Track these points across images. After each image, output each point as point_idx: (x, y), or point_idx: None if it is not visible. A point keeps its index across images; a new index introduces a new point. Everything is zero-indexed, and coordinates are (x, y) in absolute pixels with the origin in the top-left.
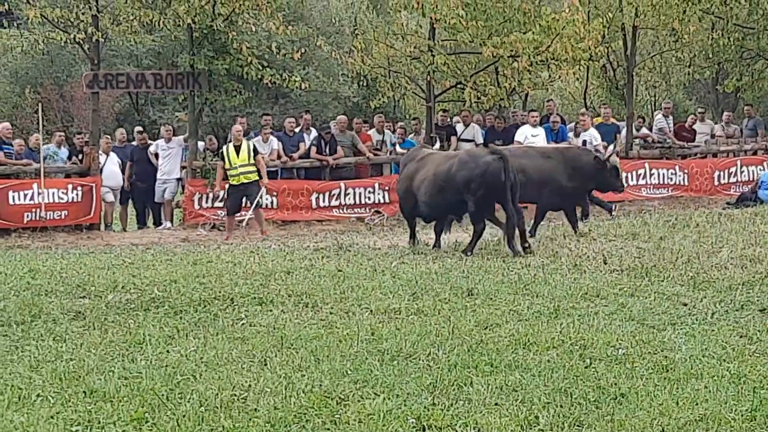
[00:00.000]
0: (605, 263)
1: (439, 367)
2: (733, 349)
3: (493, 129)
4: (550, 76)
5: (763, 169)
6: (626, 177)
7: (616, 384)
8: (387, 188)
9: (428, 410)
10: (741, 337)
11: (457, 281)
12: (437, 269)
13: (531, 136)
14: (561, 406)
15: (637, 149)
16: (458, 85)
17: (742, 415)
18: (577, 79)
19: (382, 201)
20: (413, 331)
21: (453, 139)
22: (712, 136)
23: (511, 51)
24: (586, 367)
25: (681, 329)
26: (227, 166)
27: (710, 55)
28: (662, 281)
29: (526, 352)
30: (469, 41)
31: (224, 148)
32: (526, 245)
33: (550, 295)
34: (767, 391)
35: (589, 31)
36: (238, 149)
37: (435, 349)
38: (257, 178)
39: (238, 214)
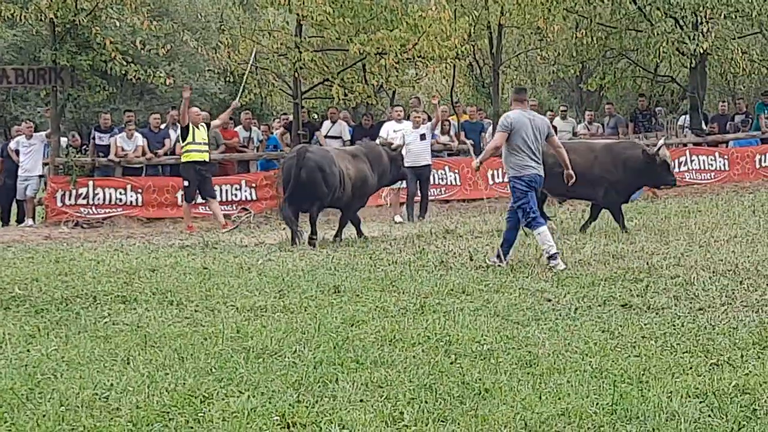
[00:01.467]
0: (471, 260)
1: (304, 365)
2: (595, 343)
3: (361, 126)
4: (417, 73)
5: None
6: (491, 175)
7: (480, 379)
8: (254, 185)
9: (293, 408)
10: (603, 332)
11: (324, 278)
12: (304, 267)
13: (393, 131)
14: (425, 402)
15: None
16: (325, 82)
17: (603, 409)
18: (444, 77)
19: (248, 198)
20: (279, 329)
21: (318, 134)
22: (575, 134)
23: (378, 48)
24: (451, 363)
25: (545, 324)
26: (189, 140)
27: (574, 54)
28: (527, 277)
29: (391, 348)
30: (336, 38)
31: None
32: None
33: (416, 291)
34: (628, 385)
35: (455, 29)
36: (198, 126)
37: (301, 347)
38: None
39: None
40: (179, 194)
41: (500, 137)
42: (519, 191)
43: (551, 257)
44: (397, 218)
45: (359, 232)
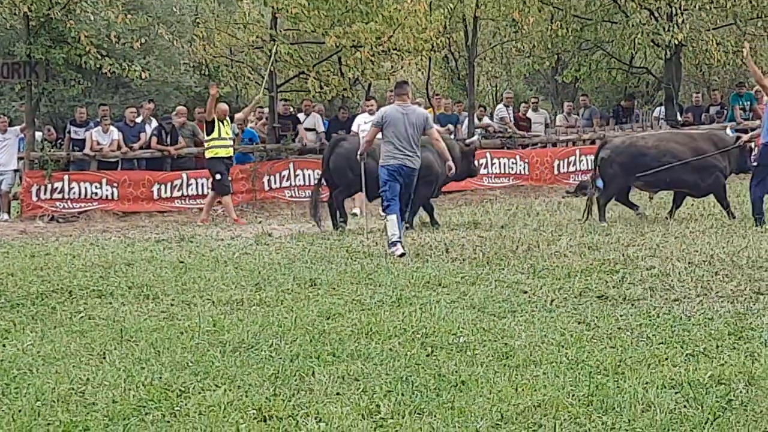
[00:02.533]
0: (447, 252)
1: (281, 358)
2: (571, 335)
3: (337, 119)
4: (392, 66)
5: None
6: None
7: (456, 371)
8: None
9: (269, 401)
10: (579, 323)
11: (300, 272)
12: (280, 260)
13: (364, 123)
14: (402, 395)
15: (478, 138)
16: (301, 75)
17: (579, 400)
18: (420, 69)
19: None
20: (255, 322)
21: (299, 128)
22: (547, 125)
23: (354, 41)
24: (427, 356)
25: (521, 316)
26: (215, 135)
27: (549, 46)
28: (503, 269)
29: (368, 341)
30: (312, 31)
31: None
32: None
33: (392, 284)
34: (604, 376)
35: (430, 21)
36: (223, 121)
37: (277, 340)
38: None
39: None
40: (155, 188)
41: (372, 131)
42: (382, 179)
43: (392, 244)
44: (355, 210)
45: (433, 221)
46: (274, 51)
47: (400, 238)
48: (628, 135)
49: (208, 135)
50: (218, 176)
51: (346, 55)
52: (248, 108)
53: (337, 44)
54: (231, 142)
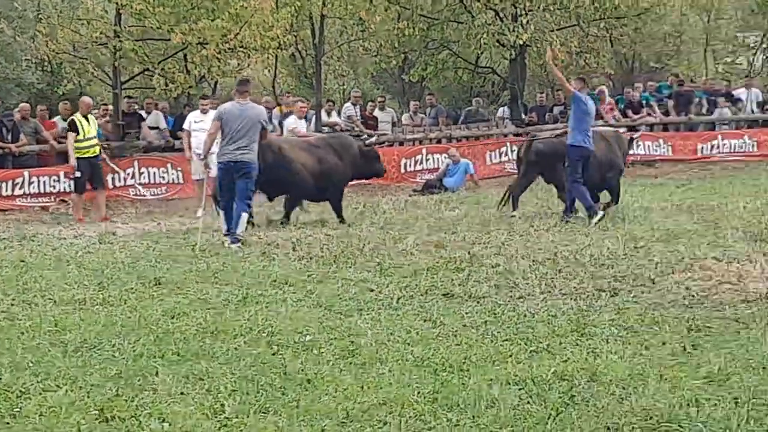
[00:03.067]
0: (294, 250)
1: (124, 358)
2: (417, 333)
3: (182, 117)
4: (239, 63)
5: (448, 157)
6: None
7: (302, 370)
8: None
9: (112, 401)
10: (425, 321)
11: (145, 271)
12: (124, 259)
13: (194, 122)
14: (247, 394)
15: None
16: (146, 72)
17: (424, 398)
18: (266, 67)
19: (68, 190)
20: (98, 322)
21: (143, 125)
22: (394, 124)
23: (200, 38)
24: (273, 354)
25: (367, 314)
26: (80, 137)
27: (396, 45)
28: (350, 268)
29: (213, 340)
30: (157, 27)
31: (74, 117)
32: None
33: (238, 282)
34: (449, 373)
35: (277, 19)
36: (87, 119)
37: (120, 340)
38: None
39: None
40: None
41: (213, 126)
42: (218, 174)
43: (225, 235)
44: (199, 212)
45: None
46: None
47: (228, 231)
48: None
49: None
50: (78, 174)
51: (192, 52)
52: None
53: (183, 41)
54: (95, 140)
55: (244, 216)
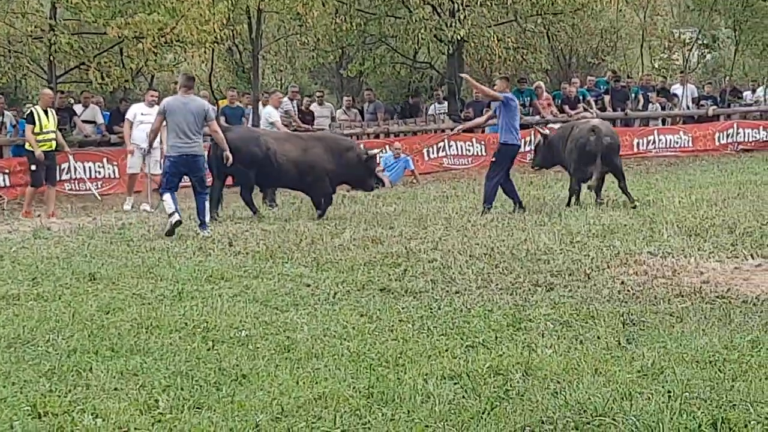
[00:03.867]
0: (231, 246)
1: (57, 353)
2: (353, 328)
3: (118, 111)
4: (175, 57)
5: (385, 152)
6: None
7: (237, 365)
8: (7, 171)
9: (45, 397)
10: (361, 316)
11: (79, 266)
12: (59, 254)
13: (141, 114)
14: (182, 389)
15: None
16: (81, 66)
17: (359, 392)
18: (203, 61)
19: (1, 185)
20: (32, 317)
21: (76, 119)
22: (332, 119)
23: (136, 32)
24: (208, 350)
25: (304, 310)
26: (37, 129)
27: (334, 40)
28: (286, 263)
29: (148, 335)
30: (93, 21)
31: (33, 109)
32: None
33: (174, 278)
34: (385, 368)
35: (214, 13)
36: (47, 113)
37: (54, 335)
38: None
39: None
40: None
41: (157, 120)
42: (166, 166)
43: (170, 215)
44: (145, 206)
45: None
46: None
47: (176, 210)
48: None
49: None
50: (33, 167)
51: (128, 46)
52: None
53: (119, 35)
54: (52, 135)
55: (206, 203)
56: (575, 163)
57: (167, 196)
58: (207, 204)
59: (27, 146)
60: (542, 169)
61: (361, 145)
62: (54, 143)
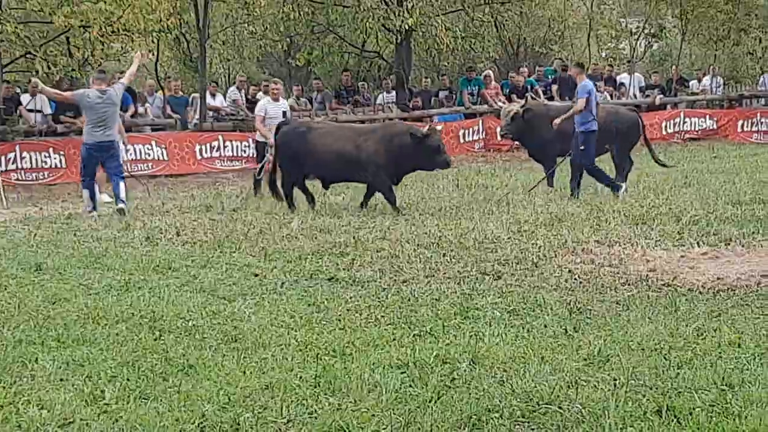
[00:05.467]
0: (178, 235)
1: (3, 345)
2: (301, 317)
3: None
4: (122, 47)
5: None
6: (200, 150)
7: (184, 356)
8: None
9: None
10: (309, 305)
11: (25, 256)
12: (4, 244)
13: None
14: (128, 380)
15: (210, 121)
16: (27, 55)
17: (306, 382)
18: (150, 50)
19: None
20: None
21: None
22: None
23: (83, 21)
24: (155, 340)
25: (251, 299)
26: None
27: (282, 29)
28: (234, 253)
29: (95, 326)
30: (39, 10)
31: None
32: None
33: (121, 268)
34: (332, 357)
35: (160, 2)
36: None
37: (0, 326)
38: None
39: None
40: None
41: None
42: (82, 155)
43: (88, 213)
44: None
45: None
46: None
47: (94, 208)
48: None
49: None
50: None
51: (75, 35)
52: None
53: (66, 24)
54: None
55: (122, 184)
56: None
57: (85, 192)
58: (122, 185)
59: None
60: (509, 139)
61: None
62: None
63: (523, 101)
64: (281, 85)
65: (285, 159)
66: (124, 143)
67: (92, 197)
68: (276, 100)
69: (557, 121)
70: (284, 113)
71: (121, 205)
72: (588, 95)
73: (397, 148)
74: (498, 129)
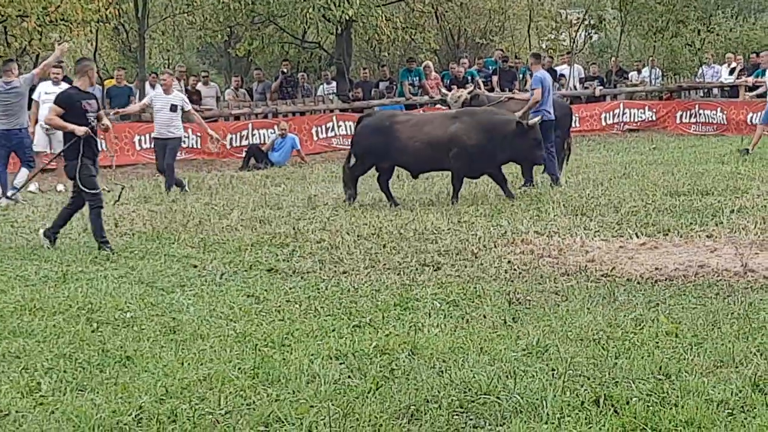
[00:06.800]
0: (117, 226)
1: None
2: (240, 308)
3: None
4: (60, 36)
5: (275, 132)
6: (139, 141)
7: (122, 347)
8: None
9: None
10: (248, 296)
11: None
12: None
13: (45, 93)
14: (64, 372)
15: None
16: None
17: (245, 373)
18: (89, 40)
19: None
20: None
21: None
22: (218, 99)
23: (20, 10)
24: (92, 332)
25: (190, 291)
26: None
27: (222, 19)
28: (173, 244)
29: (31, 317)
30: None
31: None
32: None
33: (58, 259)
34: (271, 348)
35: None
36: None
37: None
38: None
39: None
40: None
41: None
42: None
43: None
44: (60, 187)
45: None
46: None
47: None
48: None
49: None
50: None
51: (12, 24)
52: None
53: (2, 13)
54: None
55: (24, 171)
56: None
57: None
58: (24, 171)
59: None
60: None
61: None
62: None
63: (470, 87)
64: (169, 76)
65: (368, 150)
66: None
67: (4, 184)
68: (167, 92)
69: (519, 113)
70: (173, 106)
71: (11, 192)
72: (541, 85)
73: (500, 138)
74: None
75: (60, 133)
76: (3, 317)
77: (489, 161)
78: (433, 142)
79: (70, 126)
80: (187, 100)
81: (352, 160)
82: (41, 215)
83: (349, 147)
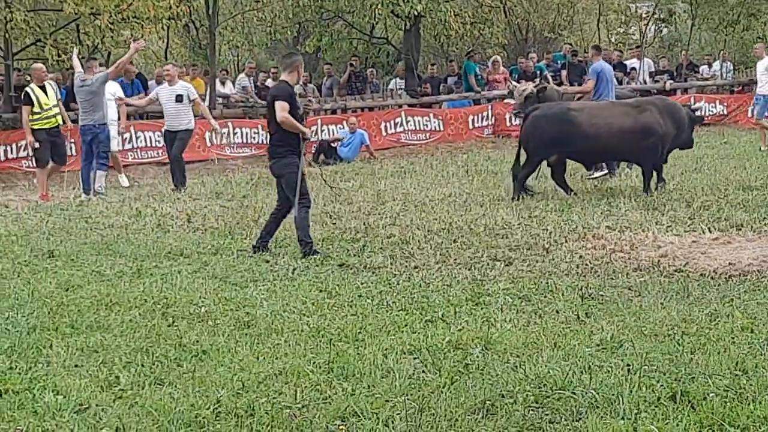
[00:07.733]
0: (189, 222)
1: (17, 331)
2: (312, 303)
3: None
4: (132, 34)
5: (343, 128)
6: (209, 137)
7: (198, 341)
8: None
9: (5, 374)
10: (320, 291)
11: (38, 243)
12: (17, 231)
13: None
14: (142, 366)
15: (220, 108)
16: (38, 43)
17: (320, 368)
18: (160, 38)
19: None
20: None
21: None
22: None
23: (92, 8)
24: (168, 326)
25: (263, 286)
26: (37, 108)
27: (291, 16)
28: (245, 239)
29: (108, 312)
30: None
31: (28, 88)
32: None
33: (133, 255)
34: (344, 343)
35: None
36: (44, 89)
37: (14, 313)
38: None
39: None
40: None
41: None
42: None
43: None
44: (124, 182)
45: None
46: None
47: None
48: None
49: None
50: (36, 144)
51: (85, 22)
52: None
53: (76, 11)
54: (54, 110)
55: (100, 173)
56: None
57: None
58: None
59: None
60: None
61: None
62: (58, 118)
63: (537, 80)
64: (173, 67)
65: (548, 143)
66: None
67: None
68: (171, 84)
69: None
70: (179, 96)
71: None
72: (596, 76)
73: (678, 125)
74: (507, 115)
75: (113, 130)
76: (80, 312)
77: (667, 150)
78: (625, 131)
79: (301, 127)
80: (193, 90)
81: (522, 158)
82: (114, 211)
83: (517, 146)
